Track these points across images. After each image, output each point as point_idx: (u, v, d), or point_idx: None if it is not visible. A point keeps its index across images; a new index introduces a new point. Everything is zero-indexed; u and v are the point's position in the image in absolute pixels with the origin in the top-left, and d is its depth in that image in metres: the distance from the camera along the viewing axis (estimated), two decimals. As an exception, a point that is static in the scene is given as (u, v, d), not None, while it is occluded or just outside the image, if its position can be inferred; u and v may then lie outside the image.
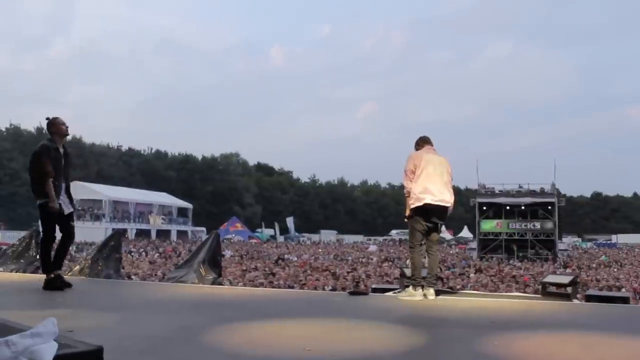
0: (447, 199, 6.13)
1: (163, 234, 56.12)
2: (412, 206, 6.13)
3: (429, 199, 6.02)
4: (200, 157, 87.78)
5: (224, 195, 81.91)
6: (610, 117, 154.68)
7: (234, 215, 69.12)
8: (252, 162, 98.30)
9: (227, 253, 34.30)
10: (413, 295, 5.97)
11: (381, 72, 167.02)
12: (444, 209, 6.16)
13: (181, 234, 59.51)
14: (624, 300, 7.55)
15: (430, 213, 6.11)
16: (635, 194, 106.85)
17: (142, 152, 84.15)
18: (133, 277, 15.91)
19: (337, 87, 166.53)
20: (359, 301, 6.08)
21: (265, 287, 14.75)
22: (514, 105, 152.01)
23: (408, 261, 7.33)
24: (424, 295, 5.97)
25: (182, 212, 63.62)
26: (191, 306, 5.47)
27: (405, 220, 6.38)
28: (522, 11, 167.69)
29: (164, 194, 64.62)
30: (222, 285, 7.91)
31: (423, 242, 6.31)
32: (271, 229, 70.41)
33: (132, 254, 31.95)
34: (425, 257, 6.39)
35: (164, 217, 59.54)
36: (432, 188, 6.04)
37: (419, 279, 6.08)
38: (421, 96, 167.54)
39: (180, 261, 11.06)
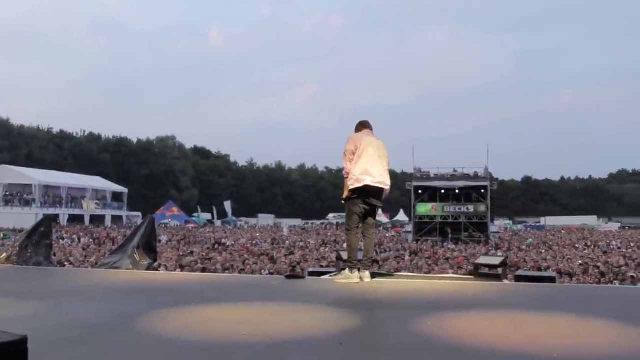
0: (386, 181, 6.18)
1: (97, 220, 54.66)
2: (352, 187, 6.12)
3: (368, 181, 6.03)
4: (135, 140, 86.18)
5: (160, 179, 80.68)
6: (541, 103, 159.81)
7: (171, 200, 68.09)
8: (188, 145, 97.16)
9: (163, 238, 33.80)
10: (350, 278, 5.99)
11: (320, 56, 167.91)
12: (382, 191, 6.19)
13: (116, 219, 58.15)
14: (551, 279, 7.82)
15: (369, 195, 6.12)
16: (562, 178, 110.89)
17: (74, 134, 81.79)
18: (65, 264, 15.51)
19: (275, 69, 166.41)
20: (296, 285, 6.09)
21: (202, 272, 14.64)
22: (450, 90, 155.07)
23: (345, 244, 7.36)
24: (360, 277, 6.03)
25: (116, 196, 62.20)
26: (125, 292, 5.38)
27: (343, 202, 6.38)
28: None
29: (98, 178, 62.94)
30: (158, 270, 7.78)
31: (360, 225, 6.32)
32: (208, 213, 69.74)
33: (64, 240, 31.08)
34: (361, 240, 6.42)
35: (97, 202, 58.00)
36: (372, 170, 6.05)
37: (355, 261, 6.11)
38: (359, 80, 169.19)
39: (115, 247, 10.82)
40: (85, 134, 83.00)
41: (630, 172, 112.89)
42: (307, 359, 2.96)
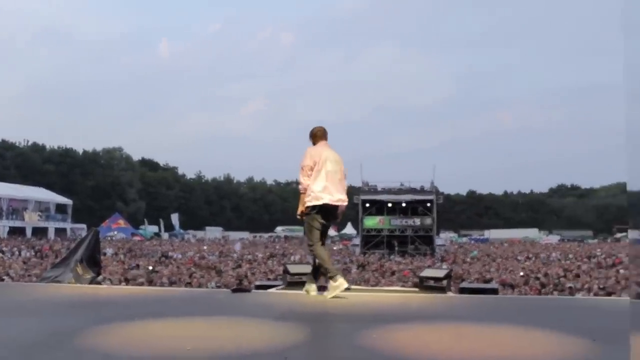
0: (343, 197, 6.12)
1: (39, 232, 52.94)
2: (309, 204, 6.02)
3: (327, 199, 5.97)
4: (81, 151, 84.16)
5: (106, 190, 79.10)
6: (485, 121, 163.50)
7: (117, 212, 66.75)
8: (136, 157, 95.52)
9: (109, 251, 33.11)
10: (337, 288, 5.82)
11: (270, 71, 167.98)
12: (338, 208, 6.12)
13: (60, 231, 56.60)
14: (494, 291, 8.02)
15: (327, 212, 6.05)
16: (505, 192, 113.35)
17: (17, 144, 79.30)
18: (5, 278, 15.05)
19: (225, 84, 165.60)
20: (242, 298, 6.07)
21: (147, 285, 14.40)
22: (398, 107, 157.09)
23: (293, 257, 7.36)
24: (306, 291, 6.03)
25: (60, 208, 60.59)
26: (66, 307, 5.26)
27: (299, 217, 6.25)
28: (408, 18, 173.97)
29: (41, 189, 61.20)
30: (101, 284, 7.64)
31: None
32: (155, 225, 68.66)
33: (4, 253, 30.11)
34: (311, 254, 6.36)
35: (40, 213, 56.39)
36: (331, 187, 6.00)
37: (333, 270, 6.00)
38: (308, 96, 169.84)
39: (57, 260, 10.57)
40: (29, 143, 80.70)
41: (569, 186, 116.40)
42: (252, 373, 2.96)
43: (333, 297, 5.76)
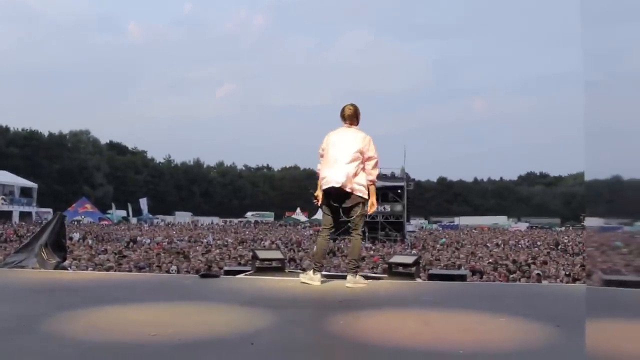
0: (342, 182, 5.71)
1: (3, 216, 51.98)
2: (319, 190, 5.94)
3: (327, 185, 5.80)
4: (46, 134, 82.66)
5: (72, 174, 77.94)
6: (456, 108, 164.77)
7: (84, 196, 65.95)
8: (103, 140, 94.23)
9: (76, 235, 32.72)
10: (311, 280, 5.76)
11: (241, 54, 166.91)
12: (343, 192, 5.79)
13: (24, 215, 55.76)
14: (462, 277, 8.09)
15: (335, 198, 5.85)
16: (475, 179, 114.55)
17: (-22, 126, 77.57)
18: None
19: (196, 67, 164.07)
20: (210, 284, 6.03)
21: (115, 271, 14.25)
22: (370, 94, 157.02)
23: (263, 243, 7.30)
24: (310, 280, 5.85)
25: (25, 192, 59.58)
26: (30, 293, 5.17)
27: (315, 201, 6.10)
28: (381, 4, 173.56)
29: (4, 172, 60.00)
30: (67, 270, 7.52)
31: (332, 228, 6.09)
32: (124, 210, 68.02)
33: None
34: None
35: (4, 197, 55.35)
36: (332, 172, 5.76)
37: (319, 263, 5.94)
38: (280, 80, 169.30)
39: (21, 245, 10.38)
40: (-8, 125, 79.02)
41: (538, 174, 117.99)
42: (219, 358, 2.93)
43: (348, 286, 5.68)
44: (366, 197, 5.83)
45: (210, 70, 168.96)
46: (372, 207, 5.94)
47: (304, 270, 14.32)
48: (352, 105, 6.08)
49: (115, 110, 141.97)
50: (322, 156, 5.94)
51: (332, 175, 5.77)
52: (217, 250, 24.06)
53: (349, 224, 6.00)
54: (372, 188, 5.92)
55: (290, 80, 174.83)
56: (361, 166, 5.82)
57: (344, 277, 6.04)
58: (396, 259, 7.88)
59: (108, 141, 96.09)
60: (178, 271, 15.63)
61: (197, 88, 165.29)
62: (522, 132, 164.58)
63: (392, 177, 43.58)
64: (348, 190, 5.75)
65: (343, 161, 5.75)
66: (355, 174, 5.77)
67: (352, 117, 5.98)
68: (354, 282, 5.72)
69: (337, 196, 5.83)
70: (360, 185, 5.78)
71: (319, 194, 5.96)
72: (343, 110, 6.03)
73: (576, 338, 3.33)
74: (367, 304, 4.81)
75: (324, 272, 6.63)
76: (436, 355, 3.06)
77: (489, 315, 4.27)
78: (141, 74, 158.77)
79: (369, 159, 5.83)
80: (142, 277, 7.49)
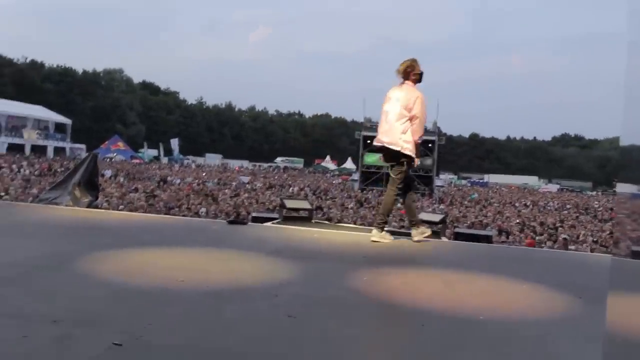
0: (385, 140, 5.78)
1: (38, 150, 52.62)
2: None
3: (376, 141, 5.91)
4: (81, 71, 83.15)
5: (105, 112, 78.61)
6: (493, 63, 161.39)
7: (116, 134, 66.65)
8: (137, 79, 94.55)
9: (107, 173, 33.21)
10: (383, 238, 5.77)
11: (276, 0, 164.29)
12: (387, 150, 5.82)
13: (59, 150, 56.51)
14: (488, 238, 8.11)
15: (385, 155, 5.92)
16: (508, 137, 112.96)
17: (15, 60, 78.08)
18: (3, 195, 15.15)
19: (230, 10, 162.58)
20: (238, 231, 6.12)
21: (145, 210, 14.53)
22: (404, 43, 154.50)
23: (291, 189, 7.32)
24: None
25: (59, 127, 60.37)
26: (65, 231, 5.32)
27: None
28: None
29: (40, 107, 60.71)
30: (99, 208, 7.69)
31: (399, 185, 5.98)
32: (155, 149, 68.69)
33: (3, 169, 30.20)
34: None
35: (39, 132, 56.16)
36: (380, 130, 5.85)
37: (384, 218, 5.89)
38: (315, 26, 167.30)
39: (55, 181, 10.61)
40: (27, 60, 79.45)
41: (573, 136, 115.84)
42: (243, 308, 3.01)
43: (373, 241, 5.72)
44: (410, 154, 5.76)
45: (245, 13, 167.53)
46: (413, 163, 5.90)
47: (329, 219, 14.44)
48: (407, 60, 5.93)
49: (148, 50, 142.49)
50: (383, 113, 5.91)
51: (379, 134, 5.84)
52: (246, 195, 24.31)
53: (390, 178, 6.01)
54: (417, 146, 5.86)
55: (325, 27, 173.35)
56: (408, 123, 5.74)
57: (369, 231, 6.06)
58: (423, 216, 7.90)
59: (141, 80, 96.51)
60: (207, 214, 15.90)
61: (232, 31, 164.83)
62: (559, 92, 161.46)
63: (424, 130, 43.19)
64: (393, 148, 5.74)
65: (391, 120, 5.75)
66: (403, 132, 5.72)
67: (403, 72, 5.85)
68: (379, 237, 5.75)
69: (386, 153, 5.85)
70: (406, 143, 5.72)
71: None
72: (399, 66, 5.90)
73: (597, 312, 3.34)
74: (391, 261, 4.85)
75: (349, 224, 6.68)
76: (455, 320, 3.10)
77: (511, 280, 4.29)
78: (175, 14, 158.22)
79: (414, 117, 5.74)
80: (171, 220, 7.62)
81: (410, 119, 5.72)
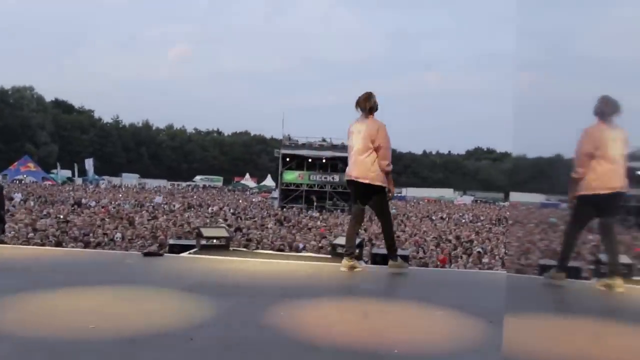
0: (353, 175, 5.89)
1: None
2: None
3: (346, 176, 6.05)
4: (-13, 89, 79.62)
5: (14, 132, 75.51)
6: (409, 81, 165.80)
7: (26, 154, 64.08)
8: (48, 97, 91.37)
9: (17, 196, 31.89)
10: (345, 265, 5.84)
11: (195, 17, 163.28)
12: (360, 184, 5.87)
13: (-37, 173, 53.95)
14: (405, 258, 8.21)
15: (356, 189, 5.93)
16: (424, 152, 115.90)
17: None
18: None
19: (148, 26, 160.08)
20: (153, 264, 6.00)
21: (58, 236, 13.97)
22: (324, 62, 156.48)
23: (211, 208, 7.21)
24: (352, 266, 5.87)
25: (-36, 149, 57.54)
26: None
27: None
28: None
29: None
30: (4, 243, 7.35)
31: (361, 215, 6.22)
32: (69, 170, 66.41)
33: None
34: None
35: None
36: (349, 164, 5.98)
37: (350, 249, 5.95)
38: (234, 44, 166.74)
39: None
40: None
41: (485, 150, 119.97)
42: (158, 356, 2.94)
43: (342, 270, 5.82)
44: (381, 184, 5.86)
45: (164, 30, 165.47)
46: (389, 194, 5.99)
47: (249, 241, 14.33)
48: (365, 94, 6.04)
49: (61, 67, 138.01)
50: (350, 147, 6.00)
51: (349, 168, 5.95)
52: (164, 217, 23.80)
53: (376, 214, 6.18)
54: (389, 176, 5.94)
55: (245, 45, 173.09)
56: (374, 155, 5.83)
57: (288, 258, 6.07)
58: (340, 240, 7.95)
59: (53, 99, 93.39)
60: (123, 239, 15.46)
61: (149, 48, 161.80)
62: (471, 108, 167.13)
63: (343, 147, 43.75)
64: (362, 181, 5.83)
65: (356, 154, 5.85)
66: (372, 163, 5.81)
67: (363, 106, 5.95)
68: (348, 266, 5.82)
69: (358, 187, 5.89)
70: (376, 174, 5.82)
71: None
72: (358, 99, 6.00)
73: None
74: (308, 292, 4.84)
75: (266, 252, 6.65)
76: (371, 356, 3.14)
77: (427, 307, 4.38)
78: (91, 30, 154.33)
79: (379, 148, 5.83)
80: (82, 254, 7.36)
81: (376, 150, 5.81)
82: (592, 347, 3.49)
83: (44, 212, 22.49)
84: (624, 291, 5.26)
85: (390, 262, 6.02)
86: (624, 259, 6.58)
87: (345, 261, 5.86)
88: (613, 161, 5.27)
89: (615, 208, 5.47)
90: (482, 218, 38.97)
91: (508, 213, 44.20)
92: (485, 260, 14.27)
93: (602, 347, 3.52)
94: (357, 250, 7.28)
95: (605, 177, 5.27)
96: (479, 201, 75.51)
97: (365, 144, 5.80)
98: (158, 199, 35.73)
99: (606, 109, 5.34)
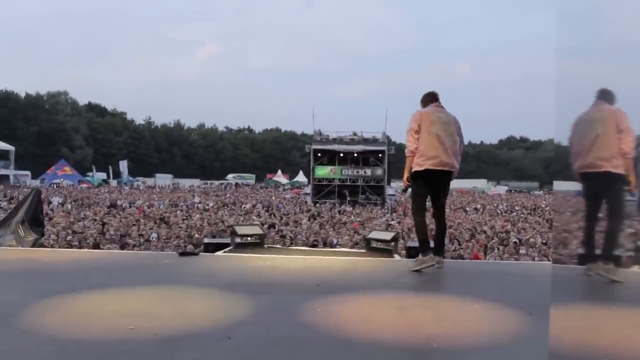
0: (451, 162, 5.75)
1: (-20, 179, 51.36)
2: (414, 169, 5.73)
3: (428, 164, 5.66)
4: (23, 95, 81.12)
5: (50, 136, 76.90)
6: (439, 71, 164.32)
7: (62, 158, 65.20)
8: (82, 101, 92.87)
9: (55, 199, 32.47)
10: (423, 263, 5.60)
11: (224, 15, 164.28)
12: (447, 173, 5.78)
13: (2, 178, 54.96)
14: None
15: (432, 178, 5.72)
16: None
17: (-50, 85, 75.53)
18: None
19: (177, 26, 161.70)
20: (189, 263, 6.05)
21: (96, 238, 14.21)
22: (352, 55, 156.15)
23: (244, 206, 7.27)
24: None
25: (2, 154, 58.65)
26: (5, 277, 5.13)
27: (404, 184, 5.96)
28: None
29: (-19, 135, 58.99)
30: (44, 246, 7.49)
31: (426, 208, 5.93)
32: (104, 172, 67.39)
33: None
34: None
35: (-20, 160, 54.52)
36: (434, 152, 5.66)
37: (426, 245, 5.74)
38: (262, 41, 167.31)
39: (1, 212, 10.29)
40: (-35, 86, 77.13)
41: (518, 138, 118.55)
42: (196, 356, 2.95)
43: (415, 270, 5.58)
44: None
45: (192, 29, 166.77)
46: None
47: (283, 237, 14.36)
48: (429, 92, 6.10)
49: (94, 70, 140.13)
50: (417, 132, 5.74)
51: (438, 155, 5.69)
52: (198, 216, 24.03)
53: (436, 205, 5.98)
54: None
55: (272, 41, 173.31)
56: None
57: (323, 254, 6.05)
58: (374, 234, 7.94)
59: (87, 102, 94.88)
60: (158, 239, 15.65)
61: (178, 48, 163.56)
62: (503, 96, 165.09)
63: (374, 141, 43.66)
64: (451, 169, 5.79)
65: (451, 141, 5.78)
66: (454, 153, 5.81)
67: (432, 96, 6.04)
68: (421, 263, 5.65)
69: (439, 175, 5.76)
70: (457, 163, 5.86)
71: (408, 174, 5.81)
72: (429, 93, 6.06)
73: (545, 328, 3.39)
74: (344, 287, 4.83)
75: (300, 248, 6.64)
76: (409, 350, 3.12)
77: (463, 300, 4.34)
78: (121, 33, 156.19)
79: (461, 140, 5.94)
80: (119, 256, 7.46)
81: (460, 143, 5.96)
82: (635, 338, 3.42)
83: (81, 215, 22.88)
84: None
85: (421, 257, 5.71)
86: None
87: (426, 257, 5.63)
88: None
89: None
90: (516, 208, 38.44)
91: (544, 202, 43.66)
92: (522, 251, 14.08)
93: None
94: (393, 244, 7.26)
95: None
96: (513, 191, 74.57)
97: (453, 133, 5.82)
98: (195, 199, 35.95)
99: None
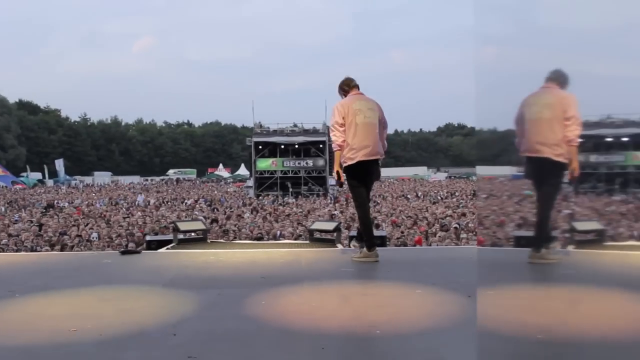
0: (380, 150, 5.73)
1: None
2: (345, 164, 5.64)
3: (360, 155, 5.57)
4: (-54, 94, 77.91)
5: (-20, 137, 74.12)
6: (376, 61, 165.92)
7: (-7, 159, 63.02)
8: (12, 99, 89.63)
9: (-13, 202, 31.40)
10: (368, 257, 5.65)
11: (158, 8, 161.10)
12: (376, 161, 5.73)
13: None
14: (382, 240, 8.27)
15: (365, 169, 5.68)
16: (395, 131, 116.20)
17: None
18: None
19: (111, 20, 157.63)
20: (131, 262, 5.97)
21: (33, 241, 13.83)
22: (289, 46, 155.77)
23: (186, 202, 7.19)
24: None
25: None
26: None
27: (336, 178, 5.81)
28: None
29: None
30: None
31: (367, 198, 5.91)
32: (39, 172, 65.44)
33: None
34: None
35: None
36: (365, 142, 5.57)
37: (373, 239, 5.77)
38: (198, 34, 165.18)
39: None
40: None
41: (456, 125, 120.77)
42: (141, 355, 2.94)
43: (356, 261, 5.65)
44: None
45: (127, 23, 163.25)
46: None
47: (226, 233, 14.31)
48: (346, 77, 5.97)
49: (23, 67, 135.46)
50: (342, 125, 5.63)
51: (369, 144, 5.62)
52: (139, 213, 23.64)
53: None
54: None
55: (209, 34, 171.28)
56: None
57: (267, 246, 6.06)
58: (317, 225, 8.00)
59: (17, 100, 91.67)
60: (99, 238, 15.35)
61: (113, 42, 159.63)
62: (440, 84, 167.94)
63: (314, 132, 43.79)
64: (381, 157, 5.77)
65: (375, 128, 5.69)
66: (382, 139, 5.77)
67: (350, 82, 5.90)
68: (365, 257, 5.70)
69: (371, 164, 5.71)
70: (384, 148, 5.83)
71: (339, 168, 5.69)
72: (346, 81, 5.91)
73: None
74: (289, 278, 4.86)
75: (243, 242, 6.65)
76: (353, 338, 3.18)
77: (405, 286, 4.44)
78: (52, 28, 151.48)
79: (385, 125, 5.86)
80: (58, 257, 7.30)
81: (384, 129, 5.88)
82: (568, 314, 3.57)
83: (16, 217, 22.20)
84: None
85: (366, 251, 5.76)
86: (594, 225, 6.71)
87: (371, 253, 5.69)
88: None
89: None
90: (457, 194, 39.26)
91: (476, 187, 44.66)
92: (463, 236, 14.39)
93: (578, 313, 3.60)
94: (335, 234, 7.34)
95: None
96: (452, 177, 76.08)
97: (379, 120, 5.75)
98: (140, 198, 35.22)
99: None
